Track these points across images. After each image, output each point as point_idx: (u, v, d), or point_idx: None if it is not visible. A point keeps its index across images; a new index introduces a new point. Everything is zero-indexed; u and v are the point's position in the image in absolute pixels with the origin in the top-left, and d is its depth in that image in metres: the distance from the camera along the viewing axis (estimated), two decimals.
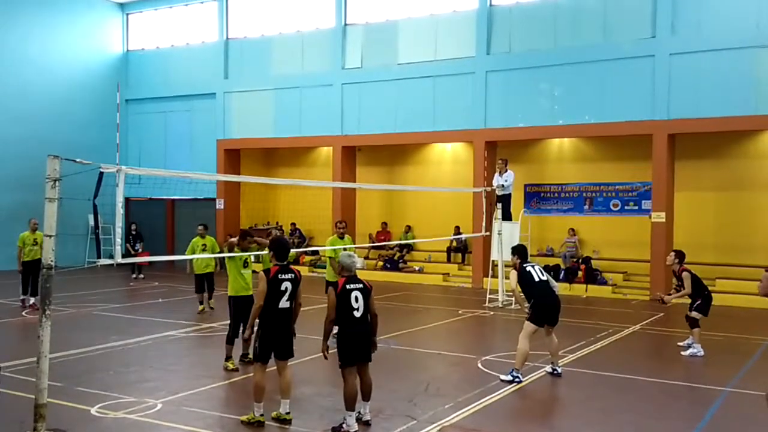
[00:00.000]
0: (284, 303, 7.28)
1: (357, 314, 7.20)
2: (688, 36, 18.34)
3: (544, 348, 10.05)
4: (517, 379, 9.30)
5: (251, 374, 9.77)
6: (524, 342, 9.45)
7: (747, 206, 19.35)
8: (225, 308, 10.33)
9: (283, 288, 7.25)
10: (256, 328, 7.45)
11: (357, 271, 7.69)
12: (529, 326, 9.56)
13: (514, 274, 9.91)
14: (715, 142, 19.43)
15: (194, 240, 14.89)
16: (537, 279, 9.77)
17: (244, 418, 7.47)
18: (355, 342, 7.20)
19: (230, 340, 10.00)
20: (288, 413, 7.44)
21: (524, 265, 9.89)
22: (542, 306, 9.62)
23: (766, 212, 19.10)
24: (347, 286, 7.27)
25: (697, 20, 18.33)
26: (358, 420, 7.26)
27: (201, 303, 15.20)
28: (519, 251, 10.15)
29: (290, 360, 7.47)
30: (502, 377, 9.39)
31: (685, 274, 11.36)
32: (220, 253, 14.11)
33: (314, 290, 14.04)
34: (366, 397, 7.45)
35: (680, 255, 11.57)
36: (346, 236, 12.59)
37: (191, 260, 15.13)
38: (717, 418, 8.13)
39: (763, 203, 19.20)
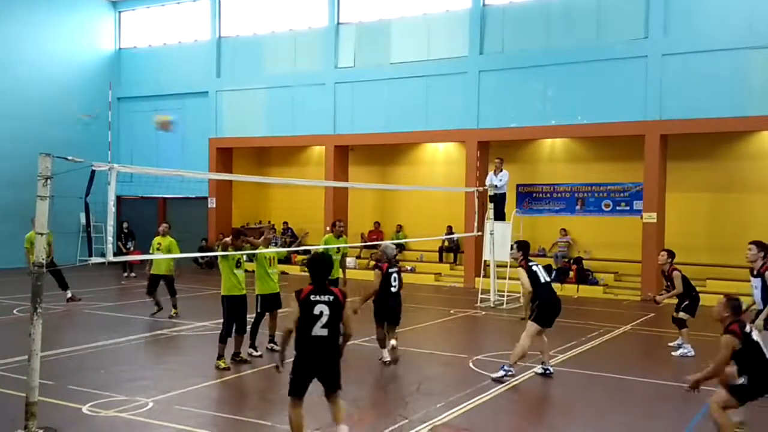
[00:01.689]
0: (319, 330, 6.08)
1: (393, 290, 10.05)
2: (681, 37, 18.42)
3: (535, 348, 10.07)
4: (509, 372, 9.30)
5: (243, 373, 9.78)
6: (527, 340, 9.40)
7: (738, 207, 19.44)
8: (211, 307, 10.28)
9: (316, 312, 6.08)
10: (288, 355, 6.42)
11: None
12: (533, 326, 9.50)
13: (523, 273, 9.63)
14: (707, 143, 19.52)
15: (155, 239, 14.91)
16: (543, 280, 9.70)
17: None
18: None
19: (223, 339, 9.94)
20: None
21: (530, 265, 9.78)
22: (548, 307, 9.57)
23: (757, 213, 19.19)
24: (389, 270, 10.02)
25: (690, 21, 18.42)
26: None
27: (157, 305, 14.46)
28: (524, 247, 9.94)
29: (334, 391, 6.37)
30: (493, 376, 9.38)
31: (675, 273, 11.43)
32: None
33: None
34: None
35: (671, 255, 11.63)
36: (343, 236, 13.01)
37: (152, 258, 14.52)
38: (707, 418, 8.16)
39: (754, 204, 19.30)
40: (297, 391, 6.25)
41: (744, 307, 7.20)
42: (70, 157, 7.00)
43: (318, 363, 6.18)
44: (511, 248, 10.28)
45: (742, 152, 19.63)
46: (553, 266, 20.51)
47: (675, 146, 19.59)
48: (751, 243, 9.20)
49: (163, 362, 10.47)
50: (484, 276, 17.81)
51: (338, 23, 23.43)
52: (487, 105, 20.85)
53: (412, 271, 22.70)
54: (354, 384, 9.55)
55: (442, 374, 10.20)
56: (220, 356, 9.92)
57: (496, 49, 20.95)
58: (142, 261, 23.00)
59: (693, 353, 11.26)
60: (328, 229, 13.90)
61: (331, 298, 6.15)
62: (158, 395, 8.46)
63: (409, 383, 9.23)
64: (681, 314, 11.48)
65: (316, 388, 6.30)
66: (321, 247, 12.76)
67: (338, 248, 12.86)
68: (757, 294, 9.11)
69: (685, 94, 18.27)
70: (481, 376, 9.64)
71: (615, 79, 19.16)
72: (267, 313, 10.92)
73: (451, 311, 15.98)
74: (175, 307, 14.37)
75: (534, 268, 9.76)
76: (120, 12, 28.19)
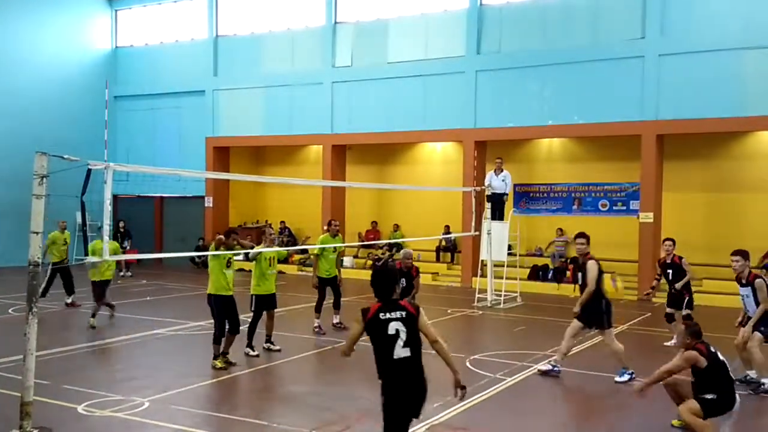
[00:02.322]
0: (402, 351, 5.21)
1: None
2: (677, 37, 18.44)
3: (532, 348, 10.07)
4: (629, 374, 9.32)
5: (240, 373, 9.76)
6: (615, 343, 9.51)
7: (734, 207, 19.47)
8: (206, 307, 10.18)
9: (391, 331, 5.19)
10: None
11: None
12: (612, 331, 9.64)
13: (595, 268, 9.56)
14: (704, 143, 19.55)
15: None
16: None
17: None
18: None
19: (217, 340, 9.91)
20: None
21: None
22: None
23: (753, 213, 19.22)
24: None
25: (686, 22, 18.43)
26: None
27: (110, 307, 13.66)
28: (588, 238, 9.79)
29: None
30: (617, 378, 9.39)
31: (684, 260, 11.53)
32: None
33: (306, 289, 14.03)
34: None
35: (675, 243, 11.80)
36: (338, 235, 13.21)
37: (95, 264, 13.03)
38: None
39: (750, 204, 19.33)
40: (392, 428, 5.18)
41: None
42: (66, 156, 6.97)
43: (407, 389, 5.24)
44: (579, 238, 9.81)
45: (738, 152, 19.66)
46: (550, 266, 20.53)
47: (671, 146, 19.61)
48: (734, 254, 9.20)
49: (160, 362, 10.44)
50: (482, 275, 17.81)
51: (335, 22, 23.41)
52: (484, 105, 20.85)
53: None
54: (352, 383, 9.54)
55: (439, 374, 10.17)
56: (216, 356, 9.89)
57: (493, 49, 20.95)
58: (138, 260, 23.06)
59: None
60: (325, 228, 13.92)
61: (403, 313, 5.26)
62: (154, 395, 8.43)
63: None
64: (686, 311, 11.29)
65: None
66: (317, 247, 12.85)
67: (334, 248, 12.95)
68: (749, 302, 9.10)
69: (681, 94, 18.29)
70: (478, 376, 9.64)
71: (612, 79, 19.17)
72: (264, 313, 10.89)
73: (449, 311, 15.97)
74: (94, 316, 13.07)
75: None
76: (116, 10, 28.12)
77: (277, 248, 11.60)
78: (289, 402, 8.45)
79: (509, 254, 17.76)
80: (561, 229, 21.36)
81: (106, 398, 8.20)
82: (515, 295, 17.55)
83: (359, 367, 10.02)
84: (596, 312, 9.50)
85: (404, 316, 5.26)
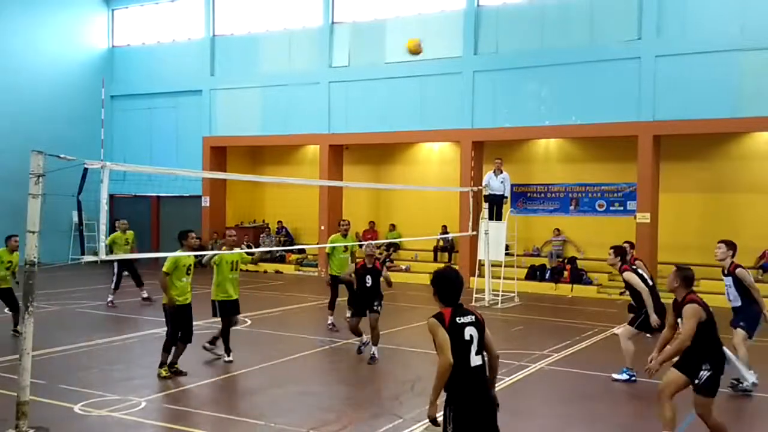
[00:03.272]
0: (476, 359, 4.89)
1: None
2: (674, 38, 18.47)
3: (530, 348, 10.07)
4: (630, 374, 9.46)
5: (237, 372, 9.74)
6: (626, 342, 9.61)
7: (731, 208, 19.50)
8: (202, 307, 10.17)
9: (467, 336, 4.88)
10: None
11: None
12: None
13: (636, 279, 9.71)
14: (700, 143, 19.58)
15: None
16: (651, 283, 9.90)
17: None
18: None
19: (167, 348, 9.46)
20: None
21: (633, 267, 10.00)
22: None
23: (749, 214, 19.26)
24: None
25: (683, 23, 18.46)
26: None
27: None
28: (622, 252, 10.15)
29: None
30: (615, 376, 9.53)
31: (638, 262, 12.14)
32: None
33: (304, 289, 14.01)
34: None
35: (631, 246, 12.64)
36: (349, 235, 13.56)
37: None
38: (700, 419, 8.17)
39: (746, 205, 19.36)
40: None
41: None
42: (62, 155, 6.95)
43: (482, 403, 4.89)
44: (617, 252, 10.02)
45: (734, 153, 19.70)
46: (547, 265, 20.54)
47: (668, 147, 19.64)
48: (720, 242, 9.26)
49: (156, 362, 10.40)
50: (479, 275, 17.82)
51: (333, 22, 23.39)
52: (481, 105, 20.85)
53: (407, 270, 22.70)
54: (348, 383, 9.54)
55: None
56: (163, 364, 9.39)
57: (490, 50, 20.96)
58: (135, 260, 22.98)
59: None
60: (339, 228, 14.05)
61: (474, 318, 4.96)
62: (151, 394, 8.42)
63: (403, 383, 9.21)
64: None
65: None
66: (327, 246, 12.91)
67: (345, 247, 13.12)
68: (731, 292, 9.14)
69: (678, 95, 18.31)
70: None
71: (608, 80, 19.19)
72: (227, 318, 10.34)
73: None
74: (16, 326, 11.76)
75: (640, 271, 10.01)
76: (113, 10, 28.07)
77: (239, 250, 10.98)
78: (288, 402, 8.44)
79: (507, 254, 17.78)
80: (558, 229, 21.38)
81: (102, 398, 8.18)
82: (513, 295, 17.57)
83: (358, 368, 10.03)
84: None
85: (475, 320, 4.95)
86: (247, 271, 22.70)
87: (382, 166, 24.54)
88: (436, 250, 23.28)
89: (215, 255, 10.50)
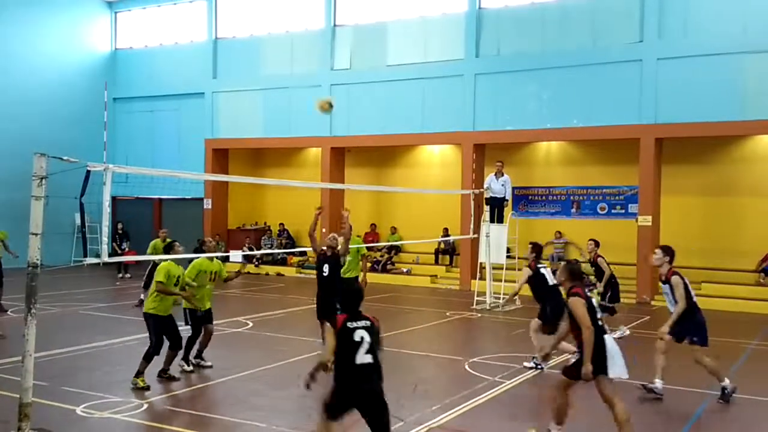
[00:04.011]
0: (365, 357, 5.79)
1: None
2: (676, 41, 18.48)
3: (531, 351, 10.07)
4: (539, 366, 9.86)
5: (238, 375, 9.75)
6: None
7: (733, 211, 19.50)
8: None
9: (357, 338, 5.72)
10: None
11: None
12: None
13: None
14: (702, 146, 19.58)
15: (156, 242, 14.77)
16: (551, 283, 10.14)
17: None
18: None
19: (149, 357, 9.07)
20: None
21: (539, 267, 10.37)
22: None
23: (751, 217, 19.26)
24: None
25: (685, 25, 18.47)
26: None
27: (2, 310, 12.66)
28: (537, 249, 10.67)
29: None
30: (526, 364, 10.06)
31: (600, 260, 13.05)
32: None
33: (305, 292, 14.01)
34: None
35: (597, 244, 13.30)
36: (351, 237, 13.24)
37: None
38: (702, 421, 8.19)
39: (748, 208, 19.36)
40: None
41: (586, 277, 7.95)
42: (65, 158, 6.98)
43: (368, 394, 5.81)
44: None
45: (736, 156, 19.70)
46: (549, 267, 20.50)
47: (670, 150, 19.64)
48: (657, 247, 9.12)
49: (158, 364, 10.42)
50: (480, 278, 17.83)
51: (335, 25, 23.43)
52: (482, 108, 20.87)
53: (408, 273, 22.71)
54: None
55: (437, 376, 10.20)
56: (140, 373, 8.95)
57: (492, 52, 20.98)
58: (137, 262, 23.03)
59: (628, 332, 13.03)
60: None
61: (368, 323, 5.80)
62: (152, 397, 8.43)
63: (405, 385, 9.21)
64: (611, 305, 12.85)
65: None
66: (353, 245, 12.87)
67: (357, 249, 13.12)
68: (669, 299, 8.94)
69: (680, 97, 18.31)
70: (477, 379, 9.65)
71: (610, 83, 19.20)
72: (202, 328, 10.03)
73: (447, 313, 15.98)
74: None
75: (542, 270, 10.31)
76: (116, 12, 28.15)
77: (216, 260, 10.20)
78: (289, 404, 8.45)
79: (508, 257, 17.78)
80: (559, 232, 21.38)
81: (105, 400, 8.20)
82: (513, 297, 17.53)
83: None
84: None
85: (369, 325, 5.80)
86: (248, 273, 22.77)
87: (383, 169, 24.56)
88: (437, 252, 23.29)
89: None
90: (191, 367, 9.92)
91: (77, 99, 26.45)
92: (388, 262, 23.25)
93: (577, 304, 6.78)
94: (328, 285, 10.58)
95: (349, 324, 5.70)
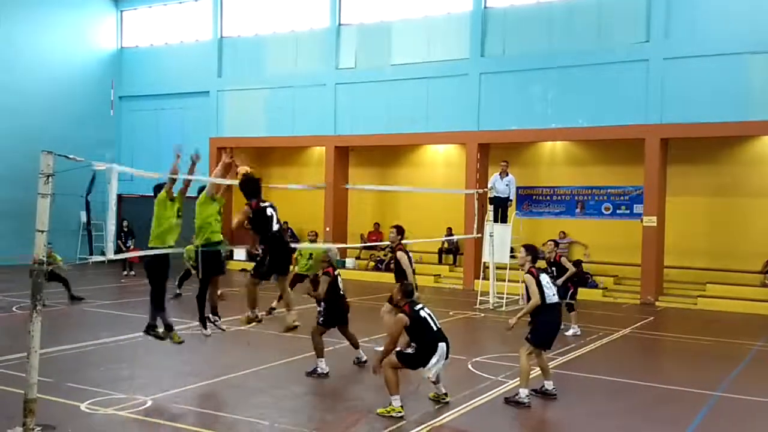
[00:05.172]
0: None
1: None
2: (682, 41, 18.42)
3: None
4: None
5: (241, 373, 9.78)
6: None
7: (738, 212, 19.44)
8: None
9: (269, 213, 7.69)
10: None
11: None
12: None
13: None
14: (708, 147, 19.53)
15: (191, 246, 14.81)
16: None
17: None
18: None
19: (161, 305, 9.13)
20: None
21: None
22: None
23: (756, 218, 19.20)
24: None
25: (691, 25, 18.42)
26: None
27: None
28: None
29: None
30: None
31: (563, 260, 13.16)
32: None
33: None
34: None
35: (557, 244, 13.51)
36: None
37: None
38: (706, 422, 8.19)
39: (754, 209, 19.30)
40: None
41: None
42: (71, 156, 7.00)
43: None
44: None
45: (742, 157, 19.64)
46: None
47: (675, 150, 19.59)
48: (522, 246, 9.03)
49: (163, 361, 10.46)
50: (484, 278, 17.81)
51: (339, 24, 23.45)
52: (487, 107, 20.86)
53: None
54: (352, 385, 9.57)
55: (440, 376, 10.18)
56: (154, 327, 9.04)
57: (497, 52, 20.97)
58: (141, 259, 23.09)
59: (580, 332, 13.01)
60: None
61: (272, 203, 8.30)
62: (157, 393, 8.46)
63: (407, 384, 9.21)
64: (570, 301, 12.99)
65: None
66: (322, 246, 12.86)
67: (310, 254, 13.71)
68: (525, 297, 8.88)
69: (686, 98, 18.27)
70: (479, 378, 9.65)
71: (616, 83, 19.16)
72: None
73: (450, 313, 15.97)
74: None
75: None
76: (122, 11, 28.21)
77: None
78: (290, 402, 8.47)
79: (511, 257, 17.76)
80: (563, 232, 21.33)
81: (109, 396, 8.23)
82: (517, 297, 17.49)
83: (362, 369, 10.05)
84: None
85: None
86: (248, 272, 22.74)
87: (387, 168, 24.57)
88: (440, 252, 23.29)
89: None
90: (209, 331, 9.48)
91: (83, 97, 26.50)
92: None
93: (396, 320, 7.95)
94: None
95: (261, 204, 8.76)
